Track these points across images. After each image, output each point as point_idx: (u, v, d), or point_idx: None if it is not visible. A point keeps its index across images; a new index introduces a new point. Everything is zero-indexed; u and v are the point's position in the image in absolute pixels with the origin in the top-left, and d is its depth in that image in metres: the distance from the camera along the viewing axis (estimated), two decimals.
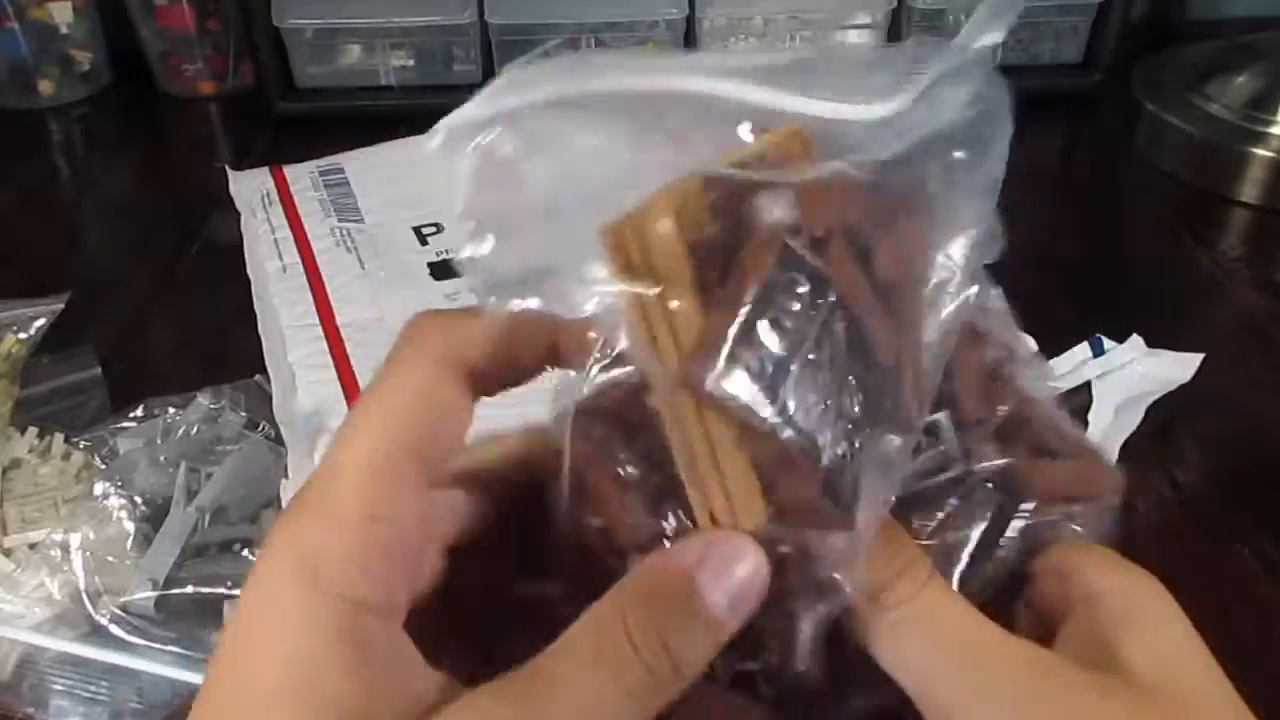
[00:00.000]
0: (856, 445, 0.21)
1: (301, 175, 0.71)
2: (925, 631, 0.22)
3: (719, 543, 0.21)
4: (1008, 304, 0.25)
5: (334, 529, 0.21)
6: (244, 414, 0.51)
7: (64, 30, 0.88)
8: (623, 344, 0.22)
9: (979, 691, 0.21)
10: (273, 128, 0.85)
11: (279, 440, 0.49)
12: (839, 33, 0.84)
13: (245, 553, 0.44)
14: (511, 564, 0.26)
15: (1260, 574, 0.46)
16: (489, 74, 0.90)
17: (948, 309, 0.22)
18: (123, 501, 0.45)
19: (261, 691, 0.20)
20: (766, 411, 0.20)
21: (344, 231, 0.65)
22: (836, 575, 0.22)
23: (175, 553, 0.43)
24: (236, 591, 0.42)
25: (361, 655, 0.20)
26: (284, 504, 0.45)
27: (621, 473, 0.23)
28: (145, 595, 0.42)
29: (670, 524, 0.22)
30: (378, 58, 0.84)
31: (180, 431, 0.49)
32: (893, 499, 0.22)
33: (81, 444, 0.50)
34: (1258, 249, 0.69)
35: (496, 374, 0.24)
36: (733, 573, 0.21)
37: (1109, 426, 0.52)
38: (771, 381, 0.20)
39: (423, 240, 0.65)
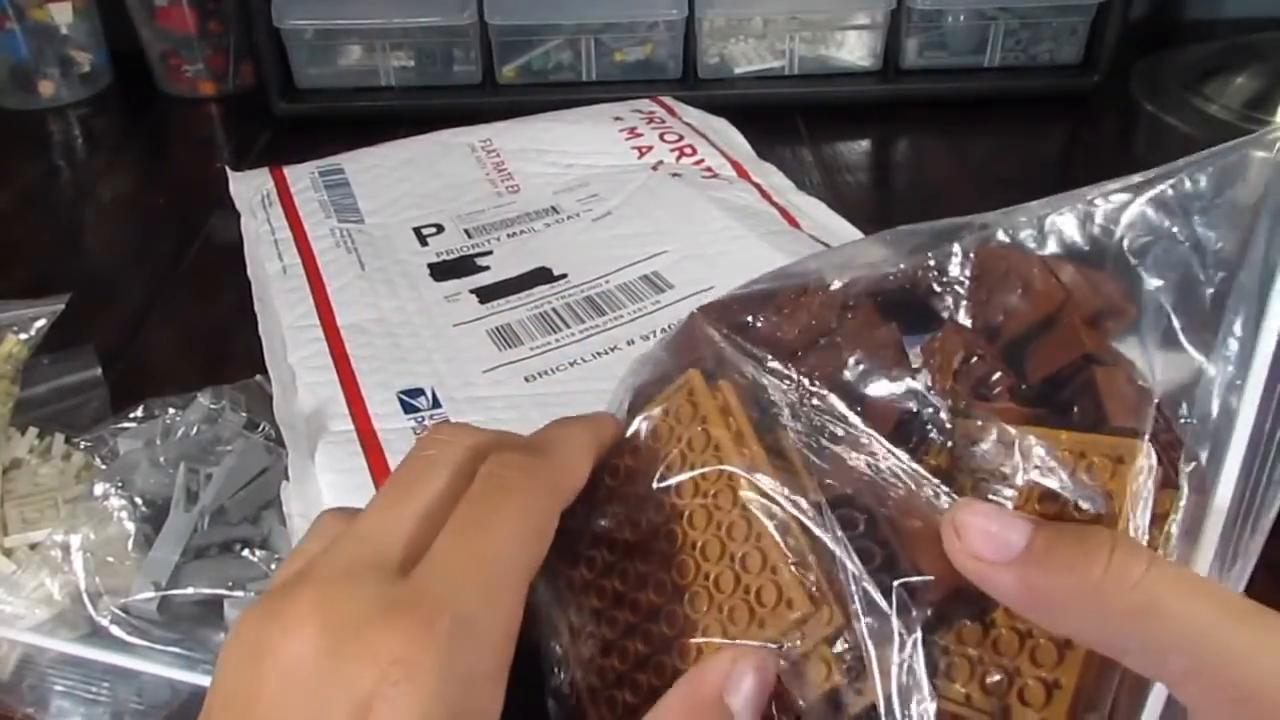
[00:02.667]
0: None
1: (301, 176, 0.71)
2: (1181, 602, 0.21)
3: (740, 659, 0.25)
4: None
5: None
6: (244, 414, 0.51)
7: (64, 31, 0.88)
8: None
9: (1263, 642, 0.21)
10: (273, 128, 0.85)
11: (279, 441, 0.49)
12: (839, 33, 0.84)
13: (246, 553, 0.44)
14: None
15: None
16: (489, 74, 0.91)
17: None
18: (123, 502, 0.45)
19: None
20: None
21: (344, 232, 0.65)
22: None
23: (176, 554, 0.43)
24: (238, 593, 0.42)
25: None
26: (284, 505, 0.45)
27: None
28: (147, 597, 0.42)
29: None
30: (378, 58, 0.84)
31: (180, 432, 0.49)
32: None
33: (82, 444, 0.50)
34: None
35: None
36: (749, 683, 0.25)
37: None
38: None
39: (423, 241, 0.65)
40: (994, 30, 0.83)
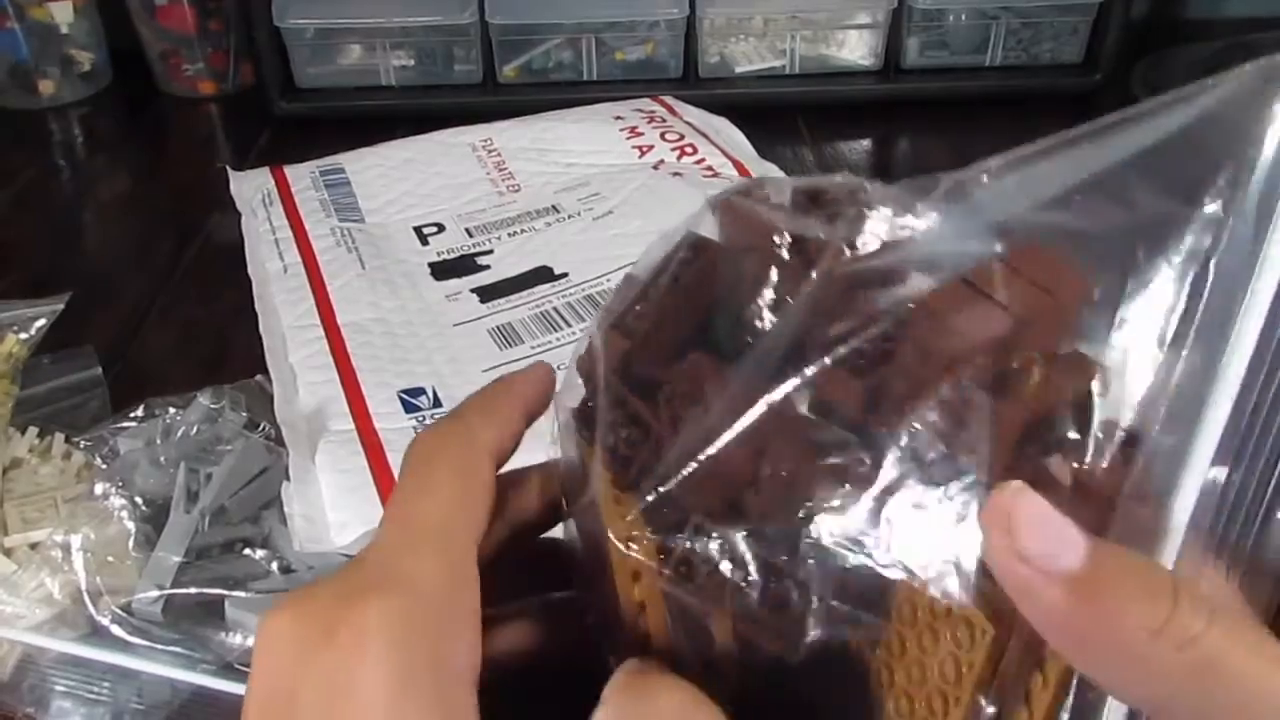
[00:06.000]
0: None
1: (302, 175, 0.71)
2: (1244, 662, 0.18)
3: None
4: None
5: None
6: (244, 414, 0.50)
7: (64, 30, 0.88)
8: None
9: None
10: (273, 128, 0.85)
11: (279, 441, 0.49)
12: (840, 32, 0.84)
13: (247, 552, 0.44)
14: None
15: None
16: (489, 74, 0.91)
17: None
18: (123, 501, 0.45)
19: None
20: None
21: (344, 231, 0.65)
22: None
23: (179, 556, 0.43)
24: (239, 592, 0.42)
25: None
26: (285, 505, 0.45)
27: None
28: (150, 596, 0.42)
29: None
30: (378, 58, 0.84)
31: (180, 432, 0.49)
32: None
33: (82, 444, 0.50)
34: None
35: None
36: None
37: None
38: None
39: (423, 240, 0.65)
40: (995, 29, 0.83)
